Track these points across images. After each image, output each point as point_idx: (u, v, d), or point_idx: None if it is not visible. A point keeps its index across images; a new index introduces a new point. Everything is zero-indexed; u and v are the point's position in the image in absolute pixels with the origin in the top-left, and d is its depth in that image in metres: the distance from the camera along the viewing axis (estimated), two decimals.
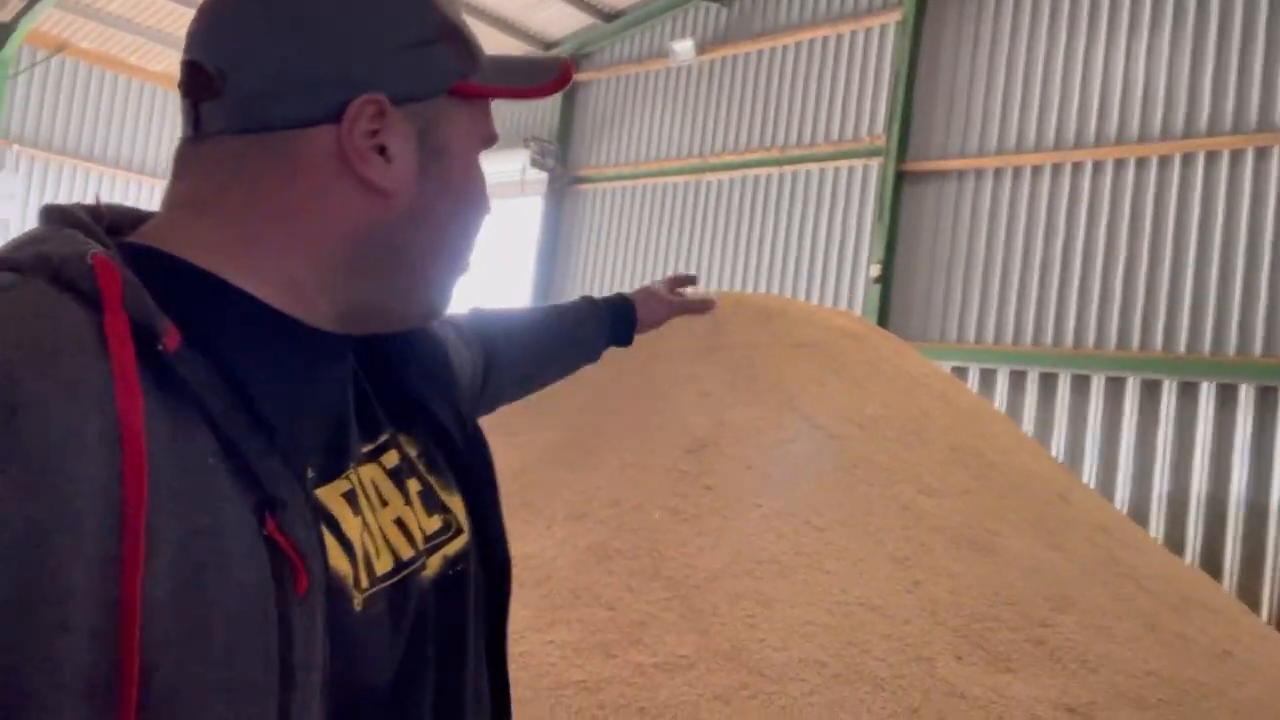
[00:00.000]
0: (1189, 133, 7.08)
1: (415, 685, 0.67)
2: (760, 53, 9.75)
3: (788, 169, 9.35)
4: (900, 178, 8.48)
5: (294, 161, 0.62)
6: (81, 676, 0.48)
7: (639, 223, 10.52)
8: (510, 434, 3.52)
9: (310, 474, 0.61)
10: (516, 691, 2.48)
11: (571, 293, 11.01)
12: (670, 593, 2.71)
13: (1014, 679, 2.66)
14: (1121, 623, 3.05)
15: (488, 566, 0.77)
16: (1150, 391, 6.96)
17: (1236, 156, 6.86)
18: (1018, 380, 7.60)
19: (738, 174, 9.70)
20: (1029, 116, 7.86)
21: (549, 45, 11.45)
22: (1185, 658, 2.99)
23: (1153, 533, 6.54)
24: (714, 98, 10.04)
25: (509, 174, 11.51)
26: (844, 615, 2.72)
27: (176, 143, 0.66)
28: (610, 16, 10.96)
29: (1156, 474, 6.84)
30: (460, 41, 0.67)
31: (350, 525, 0.63)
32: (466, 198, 0.69)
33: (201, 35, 0.63)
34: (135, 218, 0.65)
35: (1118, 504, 6.75)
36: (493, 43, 11.24)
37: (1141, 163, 7.26)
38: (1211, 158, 6.95)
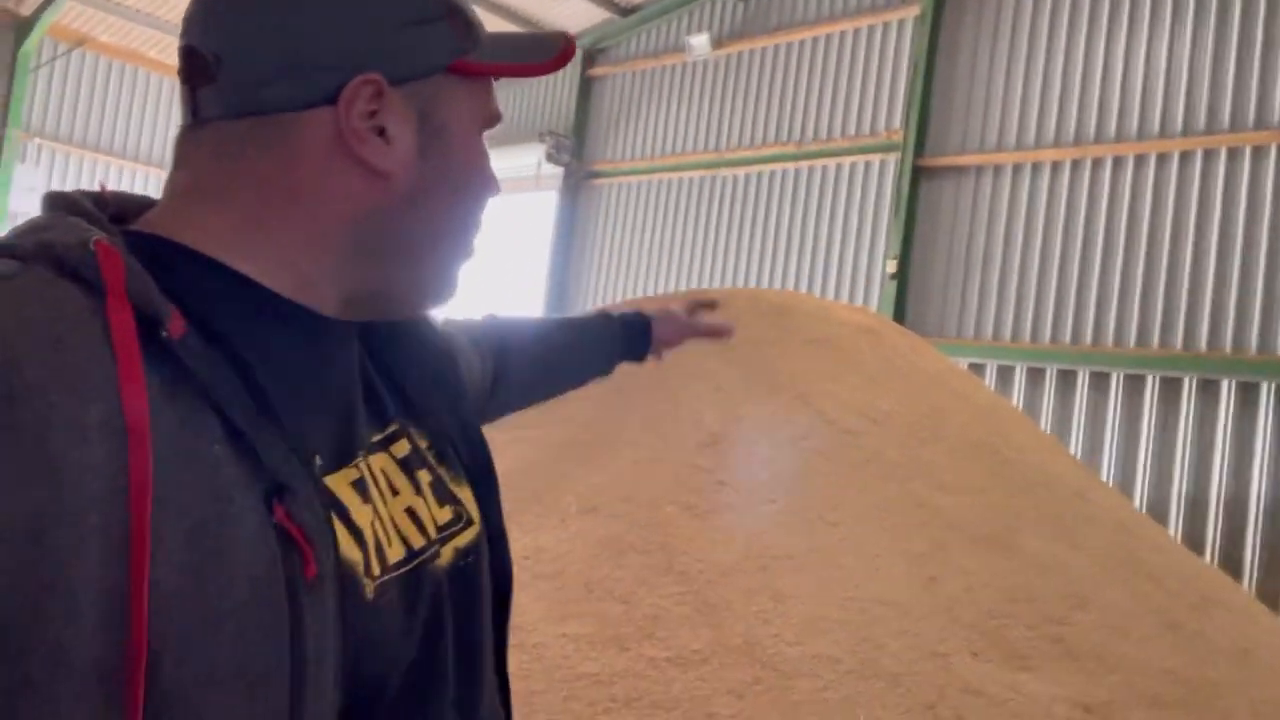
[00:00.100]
0: (1211, 128, 6.99)
1: (434, 676, 0.66)
2: (777, 47, 9.70)
3: (804, 164, 9.30)
4: (917, 173, 8.42)
5: (292, 145, 0.61)
6: (89, 665, 0.47)
7: (654, 218, 10.50)
8: (524, 428, 3.52)
9: (318, 461, 0.61)
10: (529, 683, 2.49)
11: (586, 287, 11.01)
12: (683, 587, 2.70)
13: (1030, 677, 2.64)
14: (1139, 621, 3.03)
15: (491, 565, 0.76)
16: (1170, 389, 6.89)
17: (1259, 152, 6.77)
18: (1036, 377, 7.54)
19: (754, 169, 9.66)
20: (1048, 112, 7.79)
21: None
22: (1203, 657, 2.96)
23: (1172, 531, 6.48)
24: (730, 92, 10.00)
25: (524, 168, 11.52)
26: (858, 611, 2.71)
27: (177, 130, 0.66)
28: (626, 11, 10.94)
29: (1176, 472, 6.77)
30: (459, 19, 0.66)
31: (360, 514, 0.62)
32: (469, 178, 0.67)
33: (197, 20, 0.62)
34: (139, 205, 0.65)
35: (1137, 502, 6.69)
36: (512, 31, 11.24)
37: (1163, 158, 7.18)
38: (1233, 153, 6.87)
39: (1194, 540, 6.41)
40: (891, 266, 8.39)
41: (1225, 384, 6.65)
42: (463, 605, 0.70)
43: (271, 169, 0.61)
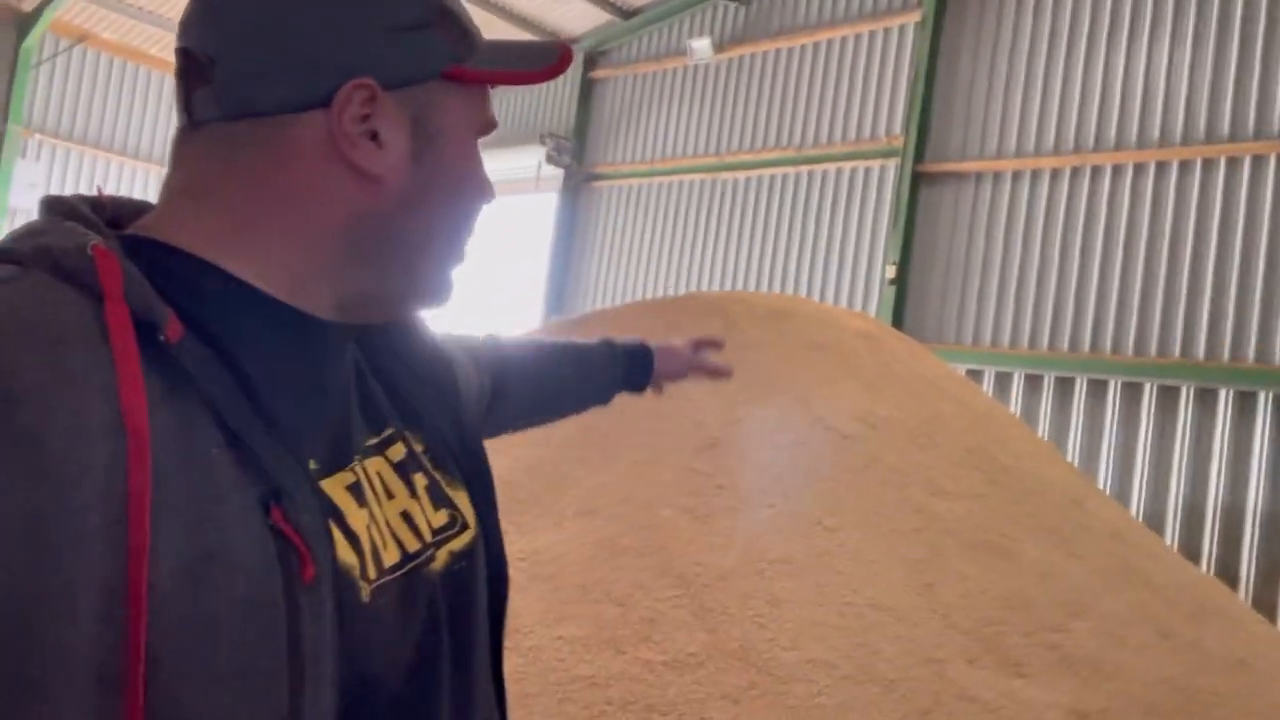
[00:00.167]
0: (1211, 138, 7.01)
1: (430, 679, 0.66)
2: (778, 52, 9.72)
3: (804, 169, 9.31)
4: (917, 179, 8.43)
5: (285, 148, 0.61)
6: (89, 665, 0.48)
7: (654, 221, 10.51)
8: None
9: (313, 465, 0.61)
10: (525, 685, 2.49)
11: (585, 289, 11.01)
12: (680, 590, 2.70)
13: (1026, 684, 2.64)
14: (1136, 630, 3.03)
15: (486, 569, 0.76)
16: (1168, 397, 6.90)
17: (1259, 162, 6.78)
18: (1034, 384, 7.55)
19: (754, 173, 9.67)
20: (1048, 119, 7.80)
21: (567, 41, 11.45)
22: (1199, 666, 2.96)
23: (1168, 540, 6.49)
24: (731, 96, 10.01)
25: (524, 169, 11.52)
26: (855, 616, 2.71)
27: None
28: (628, 14, 10.95)
29: (1173, 481, 6.78)
30: (455, 25, 0.66)
31: (355, 517, 0.62)
32: (462, 184, 0.68)
33: (193, 22, 0.63)
34: (136, 209, 0.65)
35: (1133, 510, 6.69)
36: (510, 36, 11.24)
37: (1161, 167, 7.19)
38: (1233, 163, 6.88)
39: (1190, 549, 6.42)
40: (891, 272, 8.40)
41: (1223, 393, 6.66)
42: (458, 608, 0.70)
43: (264, 171, 0.61)
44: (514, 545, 2.76)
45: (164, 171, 0.66)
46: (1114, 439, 7.09)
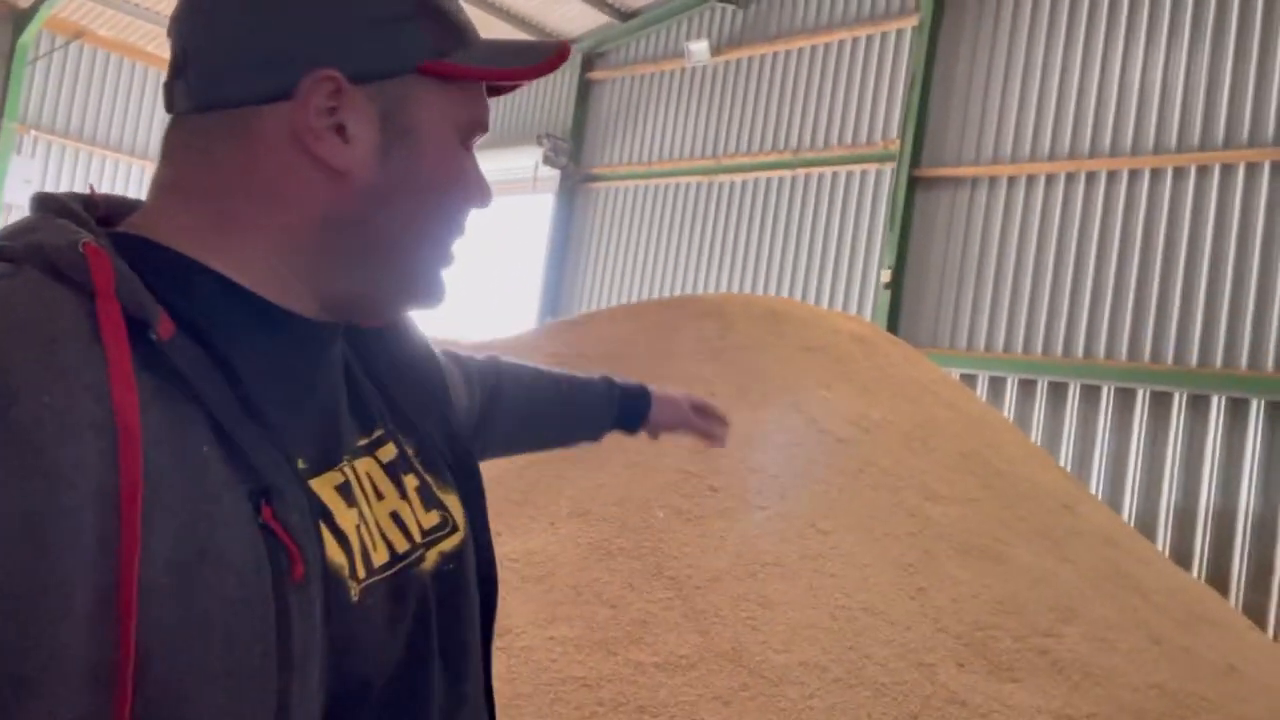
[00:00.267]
0: (1205, 145, 7.03)
1: (419, 678, 0.66)
2: (775, 55, 9.73)
3: (801, 172, 9.33)
4: (913, 183, 8.45)
5: (253, 140, 0.61)
6: (80, 663, 0.48)
7: (650, 222, 10.51)
8: None
9: (302, 464, 0.61)
10: (516, 686, 2.49)
11: (581, 290, 11.01)
12: (672, 592, 2.70)
13: (1016, 688, 2.65)
14: (1126, 635, 3.03)
15: (476, 570, 0.76)
16: (1160, 403, 6.92)
17: (1252, 169, 6.81)
18: (1027, 389, 7.57)
19: (750, 176, 9.68)
20: (1044, 125, 7.82)
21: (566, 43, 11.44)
22: (1189, 672, 2.97)
23: (1160, 546, 6.51)
24: (728, 99, 10.03)
25: (521, 170, 11.52)
26: (846, 620, 2.71)
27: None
28: (626, 15, 10.96)
29: (1165, 486, 6.80)
30: (437, 20, 0.64)
31: (344, 517, 0.62)
32: (440, 183, 0.66)
33: (176, 16, 0.63)
34: (128, 207, 0.65)
35: (1125, 516, 6.71)
36: (509, 37, 11.24)
37: (1156, 173, 7.22)
38: (1227, 170, 6.91)
39: (1182, 554, 6.44)
40: (886, 276, 8.42)
41: (1215, 399, 6.68)
42: (447, 609, 0.70)
43: (234, 164, 0.61)
44: (507, 546, 2.76)
45: None
46: (1107, 444, 7.11)
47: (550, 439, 1.24)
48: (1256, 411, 6.51)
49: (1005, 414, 7.27)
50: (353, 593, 0.61)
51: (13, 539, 0.47)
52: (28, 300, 0.52)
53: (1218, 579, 6.27)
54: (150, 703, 0.49)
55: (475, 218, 0.72)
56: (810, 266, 9.16)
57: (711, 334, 4.07)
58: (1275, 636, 6.03)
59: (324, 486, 0.62)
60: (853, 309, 8.68)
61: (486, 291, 11.61)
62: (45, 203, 0.60)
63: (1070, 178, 7.63)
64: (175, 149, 0.63)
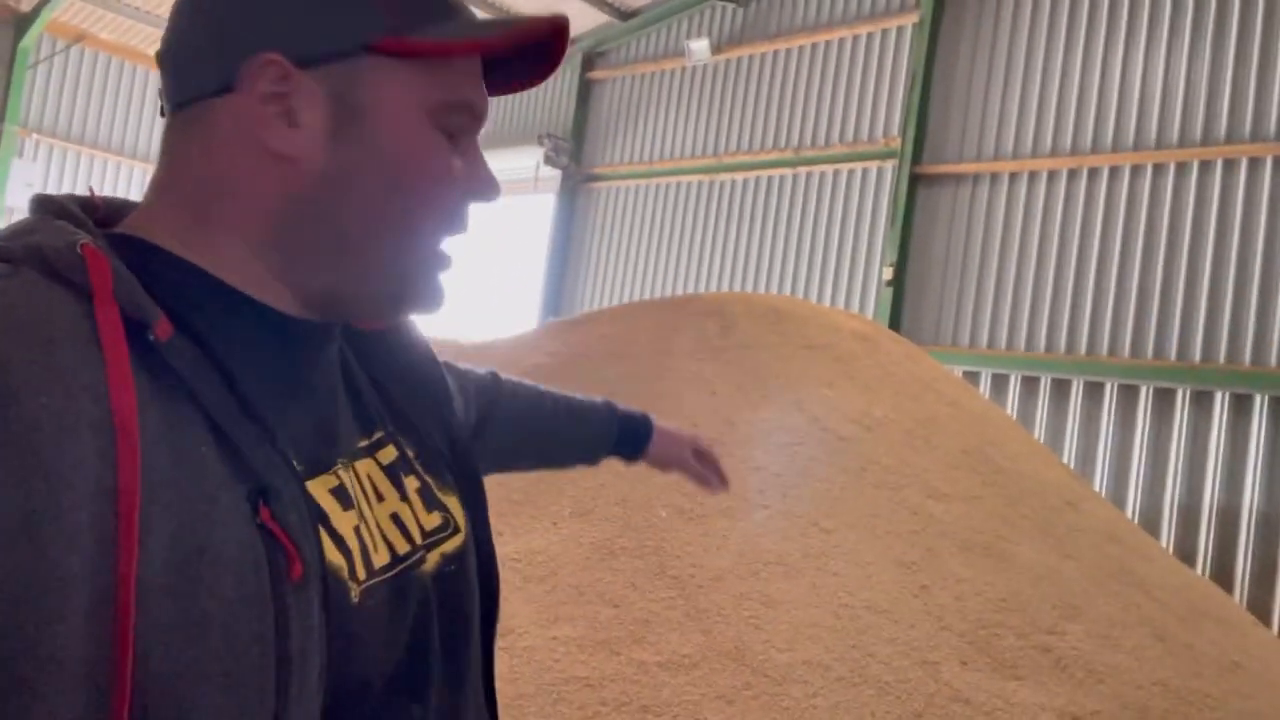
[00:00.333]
0: (1207, 140, 7.02)
1: (420, 680, 0.66)
2: (776, 53, 9.72)
3: (802, 170, 9.32)
4: (915, 180, 8.44)
5: (210, 133, 0.60)
6: (78, 664, 0.48)
7: (652, 222, 10.51)
8: None
9: (298, 466, 0.61)
10: (519, 686, 2.48)
11: (583, 290, 11.01)
12: (675, 591, 2.70)
13: (1019, 686, 2.65)
14: (1129, 632, 3.03)
15: (478, 572, 0.76)
16: (1164, 400, 6.91)
17: (1255, 164, 6.79)
18: (1030, 386, 7.56)
19: (752, 174, 9.68)
20: (1045, 121, 7.81)
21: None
22: (1193, 669, 2.97)
23: (1164, 542, 6.50)
24: (729, 98, 10.02)
25: (522, 170, 11.52)
26: (849, 618, 2.71)
27: None
28: (626, 15, 10.95)
29: (1169, 483, 6.79)
30: None
31: (340, 520, 0.62)
32: (401, 167, 0.61)
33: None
34: (128, 209, 0.65)
35: (1129, 513, 6.70)
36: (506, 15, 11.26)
37: (1159, 169, 7.21)
38: (1229, 165, 6.89)
39: (1186, 551, 6.43)
40: (888, 273, 8.41)
41: (1219, 395, 6.67)
42: (449, 610, 0.70)
43: (200, 160, 0.61)
44: (509, 546, 2.76)
45: None
46: (1110, 441, 7.10)
47: (546, 458, 1.22)
48: (1260, 407, 6.50)
49: (1008, 411, 7.26)
50: (353, 594, 0.61)
51: (11, 539, 0.47)
52: (26, 301, 0.52)
53: (1222, 575, 6.26)
54: (149, 702, 0.49)
55: (475, 212, 0.68)
56: (812, 264, 9.16)
57: (713, 333, 4.07)
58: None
59: (319, 489, 0.62)
60: (855, 307, 8.68)
61: (488, 292, 11.61)
62: (44, 205, 0.60)
63: (1072, 174, 7.62)
64: (162, 149, 0.64)
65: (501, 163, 11.76)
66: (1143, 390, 6.99)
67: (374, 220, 0.62)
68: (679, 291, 9.81)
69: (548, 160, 11.05)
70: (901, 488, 3.36)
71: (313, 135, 0.60)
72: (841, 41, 9.26)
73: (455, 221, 0.66)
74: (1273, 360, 6.52)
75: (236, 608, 0.52)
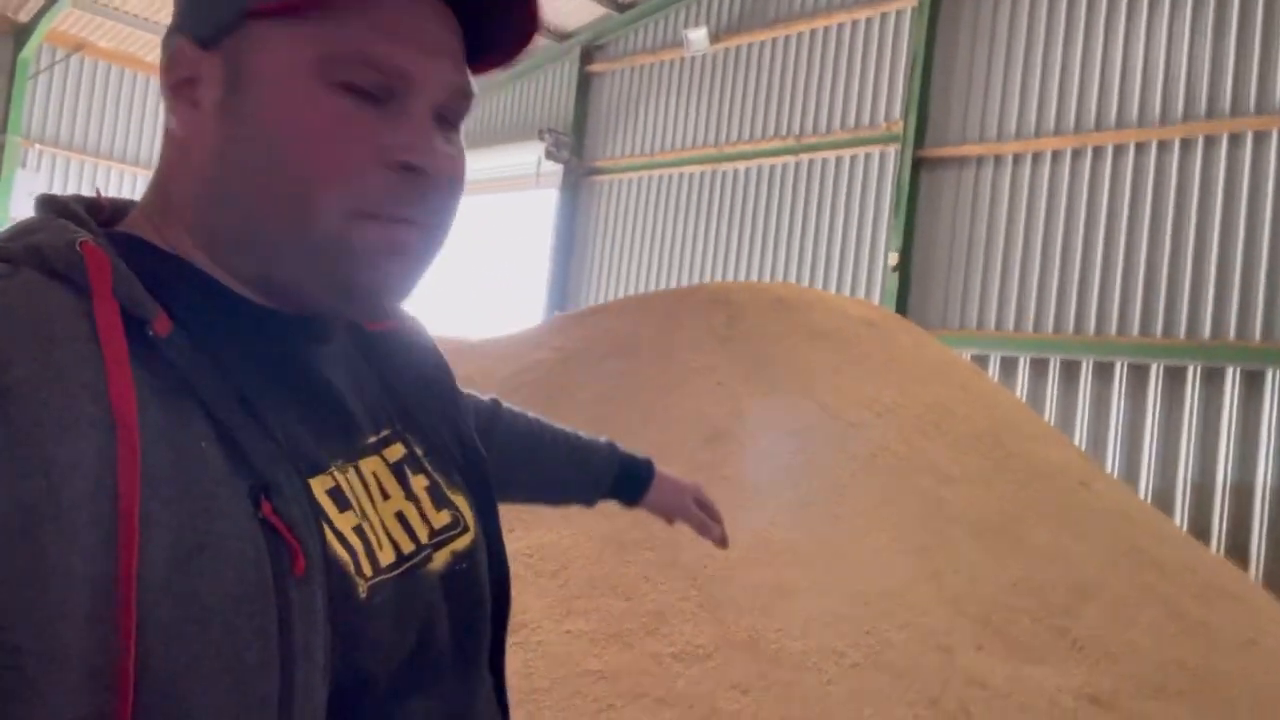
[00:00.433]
0: (1212, 114, 6.97)
1: (428, 678, 0.66)
2: (775, 40, 9.68)
3: (804, 157, 9.29)
4: (918, 164, 8.41)
5: (166, 129, 0.63)
6: (80, 661, 0.48)
7: (655, 214, 10.50)
8: None
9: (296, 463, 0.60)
10: (533, 681, 2.49)
11: (587, 284, 11.01)
12: (687, 583, 2.70)
13: (1035, 668, 2.64)
14: (1144, 612, 3.02)
15: (489, 570, 0.76)
16: (1174, 378, 6.88)
17: (1260, 138, 6.74)
18: (1039, 368, 7.53)
19: (754, 163, 9.65)
20: (1048, 100, 7.76)
21: (564, 36, 11.43)
22: (1209, 646, 2.96)
23: (1177, 521, 6.47)
24: (729, 87, 9.99)
25: (524, 166, 11.51)
26: (863, 605, 2.71)
27: None
28: (624, 6, 10.92)
29: (1181, 461, 6.76)
30: None
31: (338, 520, 0.62)
32: (282, 130, 0.58)
33: None
34: (132, 208, 0.66)
35: (1141, 492, 6.68)
36: None
37: (1163, 145, 7.16)
38: (1234, 139, 6.84)
39: (1200, 529, 6.41)
40: (893, 259, 8.38)
41: (1230, 372, 6.63)
42: (459, 608, 0.70)
43: (161, 152, 0.64)
44: (520, 541, 2.76)
45: None
46: (1121, 421, 7.07)
47: (539, 492, 1.18)
48: (1272, 383, 6.46)
49: (1018, 394, 7.24)
50: (361, 590, 0.60)
51: (12, 537, 0.47)
52: (25, 300, 0.52)
53: (1236, 552, 6.24)
54: (152, 698, 0.49)
55: (416, 181, 0.60)
56: (817, 252, 9.13)
57: (719, 323, 4.06)
58: None
59: (316, 489, 0.62)
60: (861, 293, 8.65)
61: (493, 288, 11.62)
62: (47, 204, 0.61)
63: (1076, 153, 7.57)
64: None
65: (503, 159, 11.77)
66: (1153, 369, 6.96)
67: (266, 194, 0.59)
68: (684, 283, 9.79)
69: (549, 155, 11.04)
70: (912, 473, 3.35)
71: (205, 114, 0.60)
72: (841, 26, 9.22)
73: (371, 193, 0.59)
74: None
75: (239, 603, 0.52)
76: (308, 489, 0.60)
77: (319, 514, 0.60)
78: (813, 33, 9.40)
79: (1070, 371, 7.37)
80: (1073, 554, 3.21)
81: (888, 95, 8.81)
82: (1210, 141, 6.95)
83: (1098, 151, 7.47)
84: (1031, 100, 7.85)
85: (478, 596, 0.72)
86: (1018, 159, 7.89)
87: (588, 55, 11.33)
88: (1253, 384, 6.56)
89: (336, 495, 0.63)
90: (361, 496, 0.65)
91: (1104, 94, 7.50)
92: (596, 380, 3.77)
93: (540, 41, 11.46)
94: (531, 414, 1.11)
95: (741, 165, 9.76)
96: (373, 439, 0.68)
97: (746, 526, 2.97)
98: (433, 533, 0.69)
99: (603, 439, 1.20)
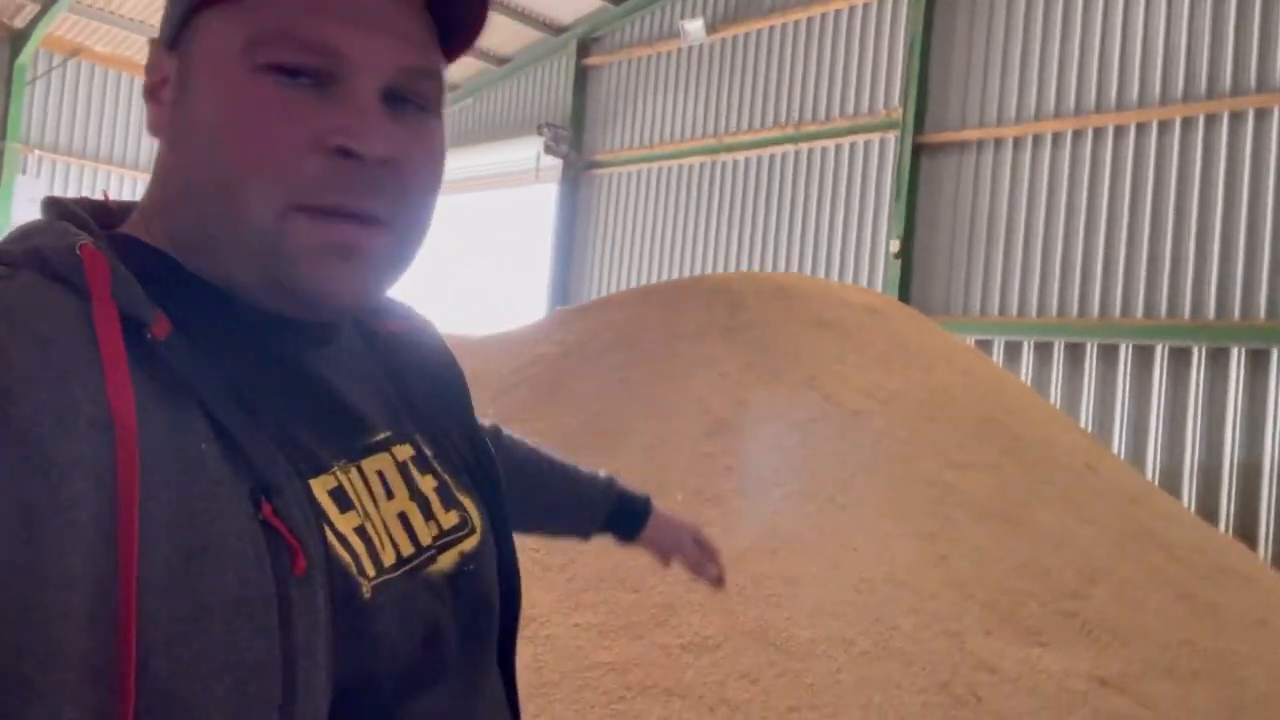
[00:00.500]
0: (1212, 93, 6.93)
1: (433, 678, 0.65)
2: (772, 29, 9.64)
3: (804, 146, 9.26)
4: (918, 150, 8.38)
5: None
6: (80, 661, 0.48)
7: (655, 206, 10.48)
8: (530, 420, 3.52)
9: (297, 464, 0.60)
10: (543, 674, 2.49)
11: (590, 278, 11.00)
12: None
13: (1045, 652, 2.64)
14: (1153, 594, 3.02)
15: (499, 570, 0.75)
16: (1179, 359, 6.86)
17: (1261, 115, 6.71)
18: (1044, 352, 7.51)
19: (753, 153, 9.63)
20: (1047, 82, 7.73)
21: (559, 29, 11.40)
22: (1219, 627, 2.96)
23: (1185, 502, 6.46)
24: (727, 77, 9.96)
25: (523, 162, 11.50)
26: (870, 592, 2.71)
27: None
28: None
29: (1188, 442, 6.75)
30: None
31: (339, 522, 0.61)
32: (214, 114, 0.57)
33: None
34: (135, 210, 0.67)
35: (1149, 474, 6.67)
36: (503, 27, 11.21)
37: (1165, 125, 7.12)
38: (1235, 117, 6.81)
39: (1208, 510, 6.39)
40: (895, 245, 8.36)
41: (1235, 351, 6.61)
42: (465, 609, 0.69)
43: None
44: (527, 537, 2.76)
45: None
46: (1127, 403, 7.05)
47: (533, 520, 1.15)
48: (1278, 361, 6.44)
49: (1023, 378, 7.22)
50: (364, 590, 0.60)
51: (12, 538, 0.47)
52: (24, 302, 0.53)
53: (1245, 532, 6.23)
54: (153, 699, 0.49)
55: (356, 168, 0.57)
56: (818, 240, 9.11)
57: (722, 313, 4.06)
58: None
59: (317, 489, 0.61)
60: (863, 281, 8.64)
61: (495, 284, 11.62)
62: (50, 206, 0.61)
63: (1077, 134, 7.54)
64: None
65: (502, 155, 11.76)
66: (1158, 349, 6.94)
67: (203, 189, 0.58)
68: (686, 274, 9.78)
69: (548, 150, 11.02)
70: (917, 459, 3.35)
71: (166, 112, 0.61)
72: (838, 13, 9.18)
73: (305, 182, 0.57)
74: None
75: (240, 603, 0.52)
76: (308, 489, 0.60)
77: (320, 514, 0.60)
78: (809, 20, 9.37)
79: (1075, 355, 7.35)
80: (1080, 537, 3.20)
81: (886, 81, 8.78)
82: (1211, 120, 6.92)
83: (1098, 133, 7.43)
84: (1031, 83, 7.82)
85: (485, 597, 0.72)
86: (1018, 142, 7.86)
87: (584, 48, 11.30)
88: (1258, 363, 6.54)
89: (338, 495, 0.62)
90: (364, 496, 0.64)
91: (1103, 75, 7.46)
92: (599, 373, 3.77)
93: (533, 34, 11.44)
94: (530, 442, 1.09)
95: (741, 155, 9.74)
96: (378, 438, 0.68)
97: (752, 517, 2.97)
98: (440, 533, 0.69)
99: (602, 473, 1.17)
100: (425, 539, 0.67)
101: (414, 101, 0.62)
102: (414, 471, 0.69)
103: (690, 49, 10.24)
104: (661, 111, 10.52)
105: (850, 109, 9.01)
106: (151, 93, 0.62)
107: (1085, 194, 7.45)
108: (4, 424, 0.48)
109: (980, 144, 8.07)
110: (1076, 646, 2.69)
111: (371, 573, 0.61)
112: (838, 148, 9.06)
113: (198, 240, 0.60)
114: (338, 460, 0.64)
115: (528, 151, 11.31)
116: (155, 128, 0.62)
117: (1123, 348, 7.10)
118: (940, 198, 8.27)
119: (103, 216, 0.64)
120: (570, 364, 3.91)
